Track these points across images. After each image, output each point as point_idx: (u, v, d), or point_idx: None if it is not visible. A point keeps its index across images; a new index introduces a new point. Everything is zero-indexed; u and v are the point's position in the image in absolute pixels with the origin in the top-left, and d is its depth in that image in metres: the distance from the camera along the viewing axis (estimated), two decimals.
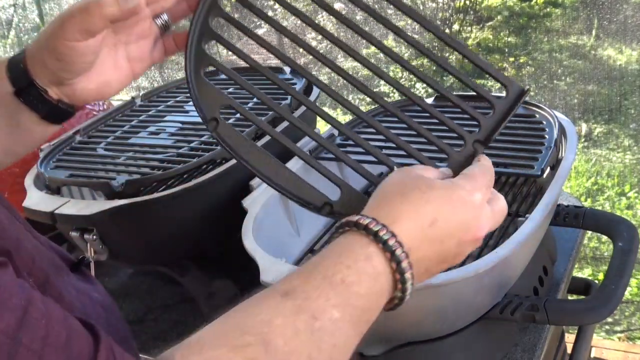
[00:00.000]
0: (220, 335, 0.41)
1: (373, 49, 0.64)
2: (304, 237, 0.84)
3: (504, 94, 0.58)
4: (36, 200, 0.86)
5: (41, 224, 0.79)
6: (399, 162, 0.58)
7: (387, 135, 0.57)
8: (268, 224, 0.78)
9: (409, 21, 2.96)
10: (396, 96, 3.22)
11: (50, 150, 0.97)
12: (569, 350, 0.90)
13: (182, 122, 1.03)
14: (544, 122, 0.88)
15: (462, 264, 0.60)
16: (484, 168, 0.54)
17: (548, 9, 2.50)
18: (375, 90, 0.72)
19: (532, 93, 2.40)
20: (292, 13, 0.59)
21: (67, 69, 0.55)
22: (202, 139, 0.96)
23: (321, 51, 0.60)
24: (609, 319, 2.02)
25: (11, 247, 0.43)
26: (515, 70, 2.49)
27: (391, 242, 0.45)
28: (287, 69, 1.10)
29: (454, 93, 0.95)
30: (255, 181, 0.82)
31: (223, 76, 0.92)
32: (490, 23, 2.58)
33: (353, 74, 0.60)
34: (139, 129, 1.03)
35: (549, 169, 0.79)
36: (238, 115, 0.86)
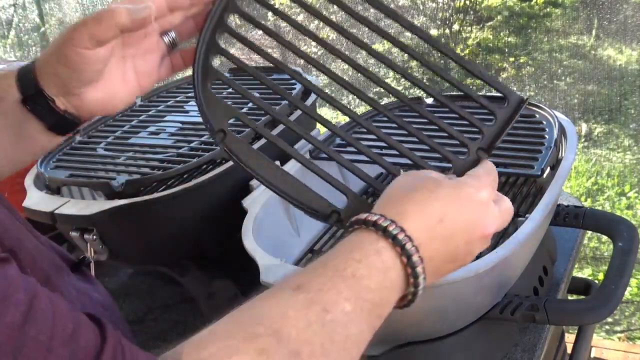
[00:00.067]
0: (232, 327, 0.42)
1: (373, 48, 0.64)
2: (304, 237, 0.84)
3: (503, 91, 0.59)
4: (36, 200, 0.86)
5: (41, 224, 0.79)
6: (393, 161, 0.58)
7: (389, 142, 0.58)
8: (268, 224, 0.78)
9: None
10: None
11: (50, 150, 0.97)
12: (569, 350, 0.90)
13: (182, 122, 1.03)
14: (544, 122, 0.89)
15: None
16: (487, 169, 0.54)
17: (548, 9, 2.50)
18: (375, 90, 0.73)
19: (532, 93, 2.40)
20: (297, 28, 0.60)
21: (75, 77, 0.56)
22: (202, 139, 0.96)
23: (320, 52, 0.61)
24: (609, 319, 2.02)
25: (14, 247, 0.43)
26: (515, 70, 2.49)
27: (400, 236, 0.46)
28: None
29: (454, 93, 0.96)
30: (255, 181, 0.82)
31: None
32: (490, 23, 2.58)
33: (353, 74, 0.60)
34: (139, 129, 1.03)
35: (549, 169, 0.79)
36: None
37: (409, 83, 0.60)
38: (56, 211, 0.82)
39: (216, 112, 0.55)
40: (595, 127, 2.35)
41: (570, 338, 0.93)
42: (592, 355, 1.85)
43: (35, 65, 0.57)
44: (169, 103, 1.12)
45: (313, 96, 1.01)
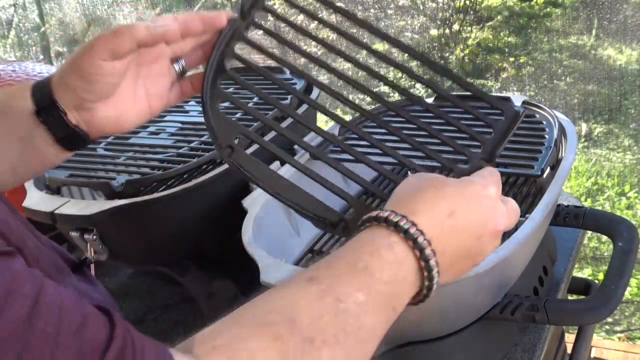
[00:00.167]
0: (245, 316, 0.42)
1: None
2: (304, 237, 0.84)
3: (504, 93, 0.59)
4: (36, 200, 0.86)
5: (41, 224, 0.79)
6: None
7: (400, 136, 0.59)
8: (268, 224, 0.78)
9: (409, 21, 2.96)
10: (396, 96, 3.21)
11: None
12: (569, 350, 0.90)
13: (182, 122, 1.03)
14: (544, 122, 0.89)
15: None
16: (491, 170, 0.55)
17: (548, 9, 2.50)
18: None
19: (532, 93, 2.40)
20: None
21: (89, 90, 0.57)
22: (202, 139, 0.96)
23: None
24: (609, 319, 2.02)
25: (19, 246, 0.43)
26: (515, 70, 2.49)
27: (412, 230, 0.47)
28: (287, 70, 1.10)
29: (455, 93, 0.96)
30: None
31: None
32: (490, 23, 2.58)
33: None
34: (139, 129, 1.03)
35: (549, 169, 0.79)
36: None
37: (408, 83, 0.61)
38: (56, 211, 0.82)
39: (224, 130, 0.57)
40: (595, 127, 2.35)
41: (570, 338, 0.93)
42: (592, 355, 1.85)
43: (51, 78, 0.59)
44: None
45: (313, 96, 1.01)
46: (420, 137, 0.65)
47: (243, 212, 0.78)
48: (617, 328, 2.05)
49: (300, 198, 0.55)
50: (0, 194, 0.49)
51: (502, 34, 2.57)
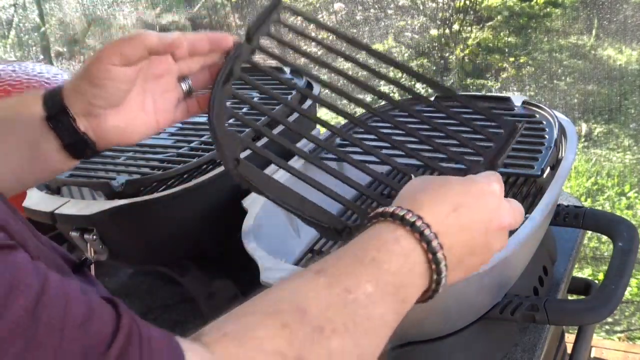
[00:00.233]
0: (253, 307, 0.43)
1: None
2: (304, 237, 0.84)
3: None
4: (36, 200, 0.86)
5: (41, 224, 0.79)
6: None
7: (403, 149, 0.61)
8: (268, 224, 0.78)
9: (409, 21, 2.96)
10: (396, 96, 3.22)
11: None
12: (569, 350, 0.90)
13: (182, 122, 1.03)
14: (544, 122, 0.89)
15: None
16: (492, 171, 0.56)
17: (548, 9, 2.50)
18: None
19: (532, 93, 2.40)
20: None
21: (99, 95, 0.58)
22: (202, 139, 0.96)
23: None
24: (609, 319, 2.02)
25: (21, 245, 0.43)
26: (515, 70, 2.49)
27: (418, 223, 0.47)
28: (287, 69, 1.10)
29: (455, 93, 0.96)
30: None
31: None
32: (490, 23, 2.58)
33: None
34: None
35: (549, 169, 0.79)
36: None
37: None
38: (56, 211, 0.82)
39: (230, 145, 0.59)
40: (595, 127, 2.35)
41: (570, 338, 0.93)
42: (592, 355, 1.85)
43: (62, 86, 0.60)
44: None
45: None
46: (421, 142, 0.65)
47: (243, 212, 0.78)
48: (617, 328, 2.05)
49: (306, 207, 0.57)
50: (1, 194, 0.49)
51: (502, 34, 2.57)
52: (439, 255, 0.47)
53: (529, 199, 0.83)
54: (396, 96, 2.47)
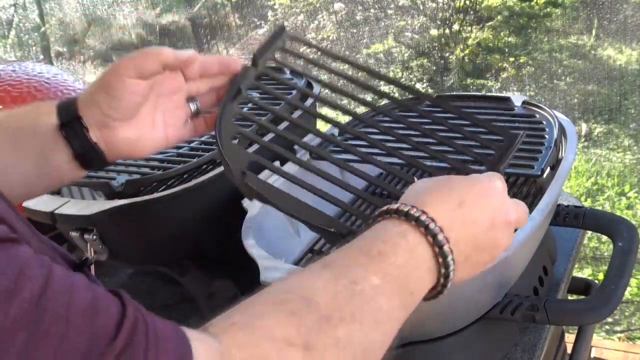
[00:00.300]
0: (261, 297, 0.43)
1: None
2: (304, 237, 0.84)
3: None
4: (36, 200, 0.86)
5: (41, 224, 0.79)
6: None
7: (404, 159, 0.62)
8: (268, 224, 0.78)
9: (409, 21, 2.96)
10: (396, 96, 3.21)
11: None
12: (569, 350, 0.90)
13: None
14: (544, 122, 0.88)
15: None
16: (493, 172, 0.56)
17: (548, 9, 2.50)
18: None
19: (532, 93, 2.40)
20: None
21: (113, 106, 0.60)
22: (202, 139, 0.96)
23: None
24: (609, 319, 2.02)
25: None
26: (515, 70, 2.49)
27: (423, 217, 0.48)
28: (286, 69, 1.10)
29: (455, 93, 0.96)
30: None
31: None
32: (490, 23, 2.58)
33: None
34: None
35: (549, 169, 0.79)
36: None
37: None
38: (56, 211, 0.82)
39: (237, 159, 0.62)
40: (595, 127, 2.35)
41: (570, 338, 0.93)
42: (592, 355, 1.85)
43: (78, 96, 0.62)
44: None
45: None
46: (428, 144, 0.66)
47: (243, 212, 0.78)
48: (617, 328, 2.06)
49: (310, 213, 0.59)
50: (1, 193, 0.49)
51: (502, 34, 2.57)
52: (446, 248, 0.48)
53: (529, 199, 0.83)
54: (396, 95, 2.46)
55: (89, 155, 0.61)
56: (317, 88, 0.99)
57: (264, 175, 0.73)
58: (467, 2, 2.55)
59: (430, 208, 0.49)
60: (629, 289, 2.04)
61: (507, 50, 2.55)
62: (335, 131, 0.94)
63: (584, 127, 2.32)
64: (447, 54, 2.63)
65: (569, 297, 0.95)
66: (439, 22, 2.56)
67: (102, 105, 0.60)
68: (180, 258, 0.92)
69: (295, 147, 0.87)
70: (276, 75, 0.74)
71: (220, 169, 0.85)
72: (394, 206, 0.49)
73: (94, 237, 0.83)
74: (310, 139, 0.86)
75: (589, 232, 0.97)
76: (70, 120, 0.60)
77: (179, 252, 0.90)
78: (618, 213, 1.80)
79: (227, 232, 0.79)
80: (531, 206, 0.80)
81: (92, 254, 0.85)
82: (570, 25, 2.41)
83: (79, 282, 0.38)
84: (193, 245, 0.90)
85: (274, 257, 0.67)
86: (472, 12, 2.58)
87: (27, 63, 1.20)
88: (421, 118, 0.74)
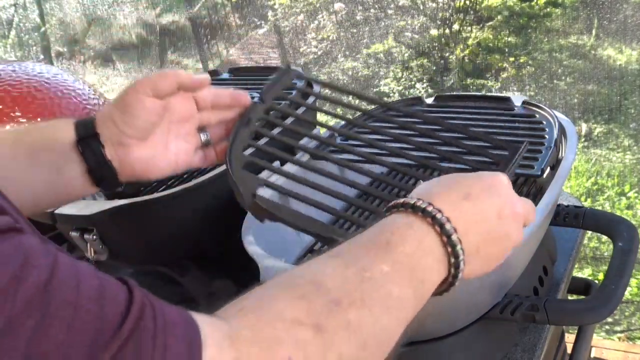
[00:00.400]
0: (271, 284, 0.44)
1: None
2: (304, 237, 0.84)
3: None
4: None
5: (41, 224, 0.79)
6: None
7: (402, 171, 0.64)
8: (268, 224, 0.78)
9: (409, 21, 2.96)
10: (396, 96, 3.22)
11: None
12: (569, 350, 0.90)
13: None
14: (544, 122, 0.88)
15: None
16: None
17: (548, 9, 2.50)
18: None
19: (532, 93, 2.40)
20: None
21: (130, 123, 0.62)
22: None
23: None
24: (609, 319, 2.02)
25: None
26: (515, 70, 2.49)
27: (429, 208, 0.49)
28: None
29: (455, 93, 0.96)
30: None
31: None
32: (490, 23, 2.58)
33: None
34: None
35: (549, 169, 0.79)
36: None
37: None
38: (56, 211, 0.82)
39: (246, 184, 0.66)
40: (595, 127, 2.35)
41: (570, 338, 0.93)
42: (592, 355, 1.85)
43: (96, 114, 0.65)
44: None
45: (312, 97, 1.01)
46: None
47: (243, 212, 0.78)
48: (617, 328, 2.06)
49: (317, 226, 0.61)
50: (1, 192, 0.49)
51: (502, 34, 2.58)
52: (454, 237, 0.48)
53: (529, 199, 0.83)
54: (396, 95, 2.46)
55: (102, 172, 0.63)
56: (316, 88, 0.99)
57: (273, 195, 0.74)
58: (467, 2, 2.55)
59: (437, 200, 0.49)
60: (629, 289, 2.04)
61: (507, 50, 2.55)
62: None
63: (584, 127, 2.32)
64: (447, 54, 2.63)
65: (569, 297, 0.95)
66: (439, 22, 2.56)
67: (119, 122, 0.62)
68: (180, 258, 0.92)
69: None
70: (284, 109, 0.78)
71: (221, 168, 0.85)
72: (401, 200, 0.50)
73: (94, 237, 0.83)
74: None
75: (589, 232, 0.97)
76: (88, 136, 0.62)
77: (179, 252, 0.90)
78: (618, 213, 1.80)
79: (227, 232, 0.79)
80: None
81: (92, 254, 0.85)
82: (570, 25, 2.41)
83: (86, 270, 0.38)
84: (193, 245, 0.90)
85: (274, 257, 0.67)
86: (472, 12, 2.58)
87: (27, 63, 1.20)
88: (424, 137, 0.75)
